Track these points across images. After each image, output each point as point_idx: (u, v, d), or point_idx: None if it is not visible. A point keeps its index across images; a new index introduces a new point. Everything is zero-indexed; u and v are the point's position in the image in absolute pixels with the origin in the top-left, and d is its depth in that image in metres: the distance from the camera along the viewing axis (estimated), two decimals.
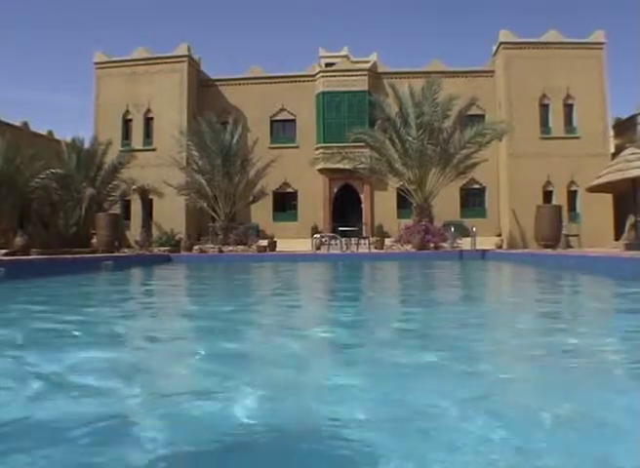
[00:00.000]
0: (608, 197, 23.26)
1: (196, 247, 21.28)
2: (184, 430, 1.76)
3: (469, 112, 22.85)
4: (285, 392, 2.17)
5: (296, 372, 2.51)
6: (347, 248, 20.65)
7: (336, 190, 28.09)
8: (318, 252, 20.62)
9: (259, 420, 1.83)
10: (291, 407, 2.01)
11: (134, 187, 25.26)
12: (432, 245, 19.18)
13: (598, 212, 24.46)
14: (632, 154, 16.26)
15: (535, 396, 2.13)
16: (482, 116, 25.94)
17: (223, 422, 1.82)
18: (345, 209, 28.10)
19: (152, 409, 2.00)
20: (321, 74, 28.17)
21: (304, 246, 22.85)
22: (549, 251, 16.10)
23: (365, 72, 27.99)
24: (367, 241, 21.94)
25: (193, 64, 28.22)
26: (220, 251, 20.39)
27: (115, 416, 1.88)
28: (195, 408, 1.98)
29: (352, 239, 21.95)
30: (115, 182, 23.45)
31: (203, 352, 2.97)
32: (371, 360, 2.75)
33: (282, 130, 28.97)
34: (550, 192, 25.81)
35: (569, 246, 20.84)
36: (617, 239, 20.65)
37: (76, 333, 3.66)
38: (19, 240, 15.89)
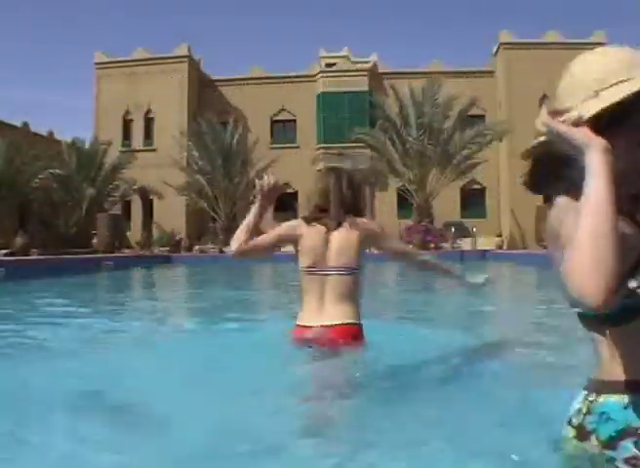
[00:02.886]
0: None
1: (196, 247, 21.29)
2: None
3: (470, 113, 22.85)
4: None
5: None
6: None
7: None
8: None
9: None
10: None
11: (134, 188, 25.19)
12: (432, 245, 19.17)
13: None
14: None
15: None
16: (482, 116, 25.91)
17: None
18: None
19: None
20: (321, 74, 28.16)
21: None
22: None
23: (365, 72, 27.97)
24: None
25: (194, 65, 28.21)
26: (221, 251, 20.37)
27: None
28: None
29: None
30: (115, 183, 23.43)
31: None
32: None
33: (282, 130, 28.97)
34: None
35: None
36: None
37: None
38: (19, 240, 15.90)
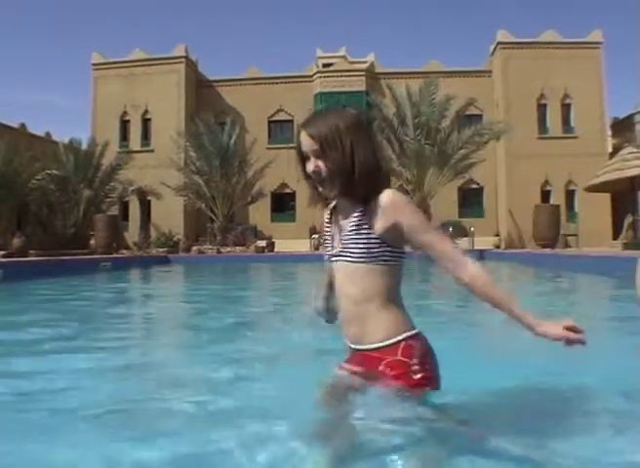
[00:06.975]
0: (606, 196, 23.27)
1: (194, 248, 21.26)
2: None
3: (467, 112, 22.88)
4: None
5: None
6: None
7: None
8: (316, 252, 20.61)
9: None
10: None
11: (132, 188, 25.13)
12: None
13: (596, 211, 24.46)
14: (630, 153, 16.28)
15: None
16: (480, 116, 25.94)
17: None
18: None
19: None
20: (319, 75, 28.17)
21: (303, 246, 22.85)
22: (547, 250, 16.13)
23: (362, 73, 27.98)
24: None
25: (191, 65, 28.20)
26: (219, 251, 20.36)
27: None
28: None
29: None
30: (113, 184, 23.37)
31: None
32: None
33: (280, 130, 28.95)
34: (548, 192, 25.82)
35: (567, 245, 20.85)
36: (615, 238, 20.65)
37: None
38: (16, 241, 15.85)
